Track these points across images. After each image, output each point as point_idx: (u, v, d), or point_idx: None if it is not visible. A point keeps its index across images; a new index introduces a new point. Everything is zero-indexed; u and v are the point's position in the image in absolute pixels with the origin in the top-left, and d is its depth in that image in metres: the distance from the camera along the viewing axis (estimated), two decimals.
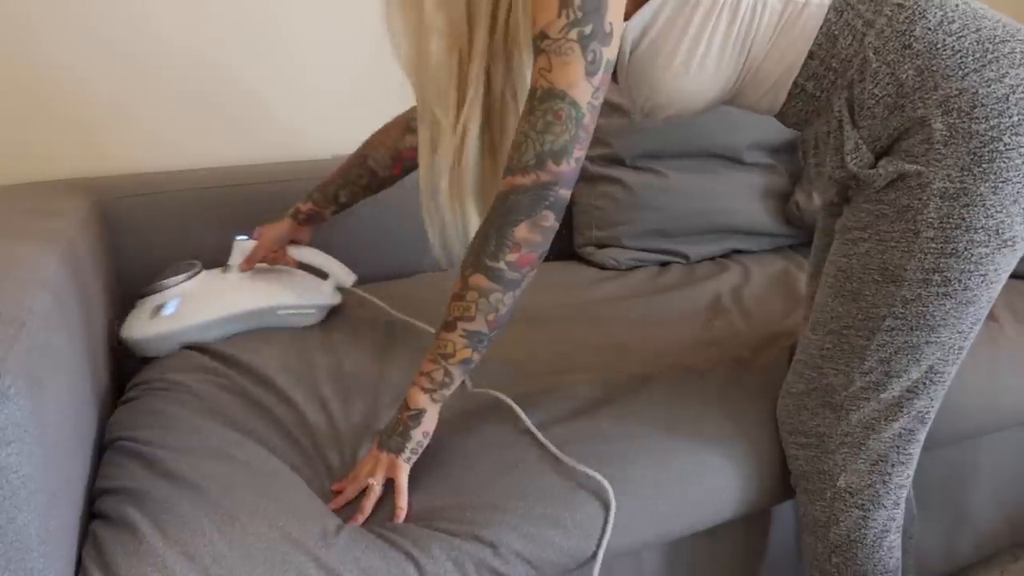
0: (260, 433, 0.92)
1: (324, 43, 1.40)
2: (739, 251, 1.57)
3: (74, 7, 1.23)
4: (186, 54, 1.31)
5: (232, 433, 0.90)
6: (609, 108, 1.47)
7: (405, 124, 1.10)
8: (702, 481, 0.91)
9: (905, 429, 0.87)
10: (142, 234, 1.26)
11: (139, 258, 1.26)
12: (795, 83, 0.84)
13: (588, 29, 0.73)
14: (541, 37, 0.74)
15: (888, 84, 0.78)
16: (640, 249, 1.49)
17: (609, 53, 0.75)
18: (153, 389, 0.97)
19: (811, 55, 0.81)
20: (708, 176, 1.51)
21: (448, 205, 0.88)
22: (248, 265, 1.16)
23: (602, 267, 1.49)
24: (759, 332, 1.17)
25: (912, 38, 0.77)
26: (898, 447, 0.88)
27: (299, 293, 1.17)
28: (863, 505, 0.90)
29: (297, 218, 1.17)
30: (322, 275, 1.21)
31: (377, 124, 1.13)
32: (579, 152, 0.76)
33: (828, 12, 0.80)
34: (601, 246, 1.51)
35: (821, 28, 0.80)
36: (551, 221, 0.78)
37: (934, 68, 0.76)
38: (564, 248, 1.55)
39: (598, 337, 1.16)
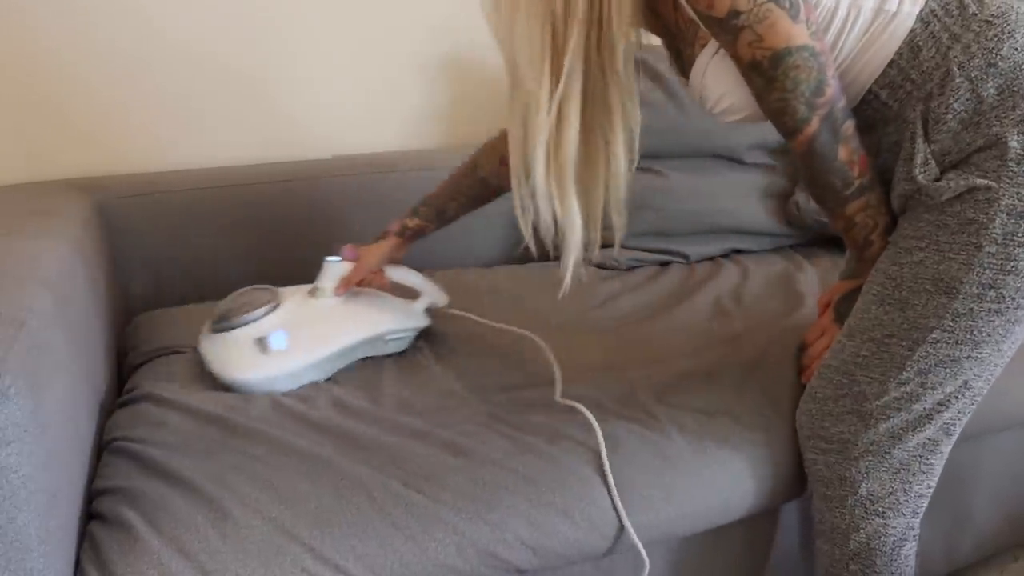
0: (257, 409, 0.92)
1: (324, 43, 1.40)
2: (739, 251, 1.56)
3: (74, 5, 1.23)
4: (186, 54, 1.31)
5: (228, 414, 0.90)
6: None
7: None
8: (709, 481, 0.91)
9: (930, 439, 0.87)
10: (142, 234, 1.26)
11: (139, 258, 1.26)
12: (870, 90, 0.83)
13: None
14: (732, 15, 0.74)
15: (968, 100, 0.78)
16: (640, 249, 1.49)
17: None
18: (151, 387, 0.97)
19: (891, 63, 0.81)
20: (708, 176, 1.51)
21: (545, 191, 0.82)
22: (344, 288, 1.07)
23: (602, 267, 1.49)
24: (761, 332, 1.17)
25: (999, 56, 0.77)
26: (921, 457, 0.88)
27: (399, 316, 1.10)
28: (883, 513, 0.89)
29: (403, 235, 1.10)
30: (412, 295, 1.14)
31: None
32: (831, 71, 0.78)
33: (915, 22, 0.79)
34: (601, 246, 1.50)
35: (905, 38, 0.80)
36: (852, 127, 0.82)
37: (1015, 88, 0.76)
38: None
39: (599, 338, 1.16)
